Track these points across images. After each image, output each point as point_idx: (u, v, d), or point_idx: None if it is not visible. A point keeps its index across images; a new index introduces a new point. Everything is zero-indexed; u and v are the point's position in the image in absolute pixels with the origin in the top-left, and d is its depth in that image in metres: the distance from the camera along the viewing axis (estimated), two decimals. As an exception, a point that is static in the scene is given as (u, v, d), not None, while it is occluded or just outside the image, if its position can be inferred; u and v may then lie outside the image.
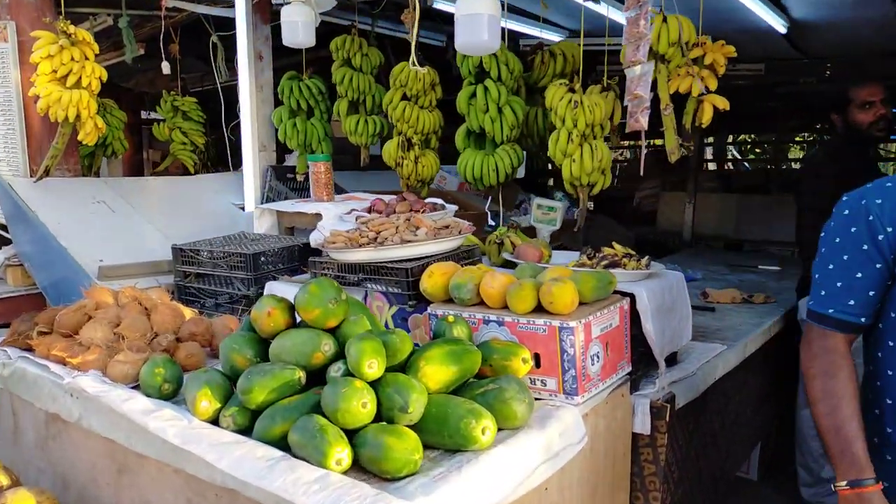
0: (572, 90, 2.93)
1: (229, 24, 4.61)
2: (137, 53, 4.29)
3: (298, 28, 3.02)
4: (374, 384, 1.56)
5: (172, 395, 1.93)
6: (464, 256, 2.36)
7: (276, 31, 4.25)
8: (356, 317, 1.77)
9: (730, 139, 11.56)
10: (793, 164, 10.86)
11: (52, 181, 3.65)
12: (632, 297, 2.09)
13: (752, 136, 10.82)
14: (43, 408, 2.18)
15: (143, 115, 7.39)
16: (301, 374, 1.65)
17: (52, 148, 3.56)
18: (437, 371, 1.64)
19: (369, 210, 2.93)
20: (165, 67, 4.22)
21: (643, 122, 1.87)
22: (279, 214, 3.25)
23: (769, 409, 3.48)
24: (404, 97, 3.47)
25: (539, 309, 1.87)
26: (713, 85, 2.74)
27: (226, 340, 1.85)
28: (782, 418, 3.66)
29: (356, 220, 2.60)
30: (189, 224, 3.80)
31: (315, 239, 2.78)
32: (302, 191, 4.19)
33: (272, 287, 2.63)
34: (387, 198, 3.24)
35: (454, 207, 3.06)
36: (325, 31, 4.21)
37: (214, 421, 1.70)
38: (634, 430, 2.11)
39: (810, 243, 3.21)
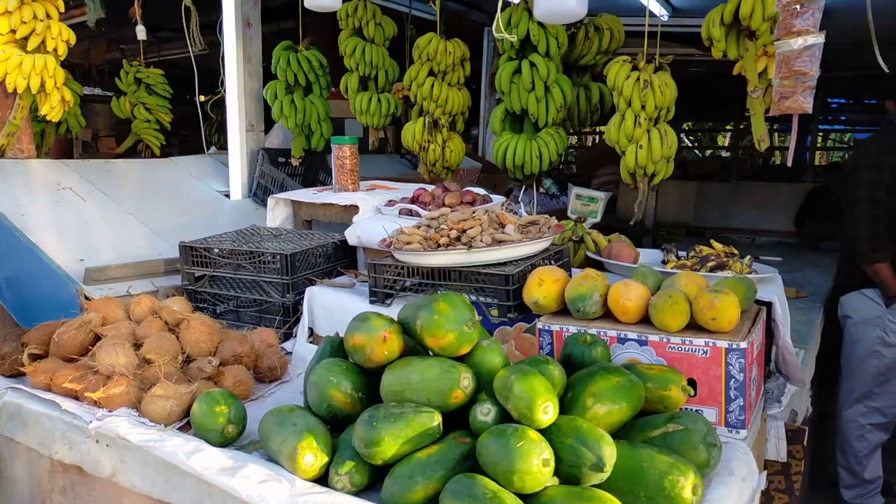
0: (636, 68, 2.64)
1: (203, -14, 4.08)
2: (101, 15, 3.69)
3: (324, -12, 2.58)
4: (545, 432, 1.22)
5: (236, 438, 1.54)
6: (555, 258, 2.03)
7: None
8: (488, 341, 1.42)
9: (685, 127, 11.69)
10: (753, 150, 11.09)
11: (8, 163, 3.06)
12: (767, 305, 1.82)
13: (710, 123, 10.94)
14: (47, 454, 1.73)
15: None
16: (439, 419, 1.29)
17: (7, 124, 2.99)
18: (609, 412, 1.32)
19: (413, 201, 2.55)
20: (141, 32, 3.65)
21: (807, 103, 1.60)
22: (296, 206, 2.82)
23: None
24: (430, 73, 3.09)
25: (690, 326, 1.57)
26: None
27: (319, 371, 1.46)
28: (820, 419, 3.54)
29: (413, 215, 2.22)
30: (173, 215, 3.30)
31: (358, 235, 2.39)
32: (297, 177, 3.75)
33: (314, 294, 2.22)
34: (425, 187, 2.87)
35: (500, 198, 2.73)
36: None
37: (320, 479, 1.32)
38: (767, 457, 1.86)
39: (870, 237, 3.08)
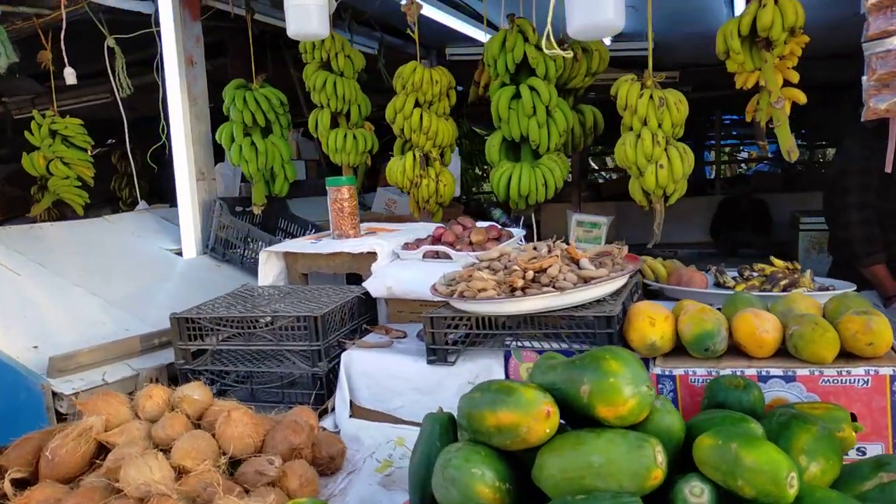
0: (644, 86, 2.54)
1: (126, 25, 3.65)
2: (14, 60, 3.18)
3: (311, 14, 2.29)
4: (782, 508, 1.00)
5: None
6: (634, 291, 1.83)
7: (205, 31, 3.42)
8: (660, 401, 1.18)
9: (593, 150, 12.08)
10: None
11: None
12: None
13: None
14: None
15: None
16: (644, 510, 1.04)
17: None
18: (824, 470, 1.13)
19: (436, 241, 2.29)
20: (70, 76, 3.16)
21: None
22: (289, 259, 2.47)
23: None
24: (416, 104, 2.86)
25: (840, 354, 1.42)
26: (795, 78, 2.52)
27: (455, 462, 1.15)
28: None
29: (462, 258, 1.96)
30: (127, 282, 2.85)
31: (388, 286, 2.09)
32: (256, 227, 3.36)
33: (352, 359, 1.90)
34: (429, 226, 2.62)
35: (521, 231, 2.52)
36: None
37: None
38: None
39: (865, 240, 3.13)
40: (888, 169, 1.71)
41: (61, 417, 1.99)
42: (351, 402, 1.90)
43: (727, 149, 12.76)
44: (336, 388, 1.92)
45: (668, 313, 1.56)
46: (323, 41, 3.00)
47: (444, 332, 1.76)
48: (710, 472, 1.05)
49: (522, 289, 1.65)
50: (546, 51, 1.87)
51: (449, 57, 5.43)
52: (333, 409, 1.91)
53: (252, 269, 3.19)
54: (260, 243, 3.17)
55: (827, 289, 1.96)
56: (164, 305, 2.75)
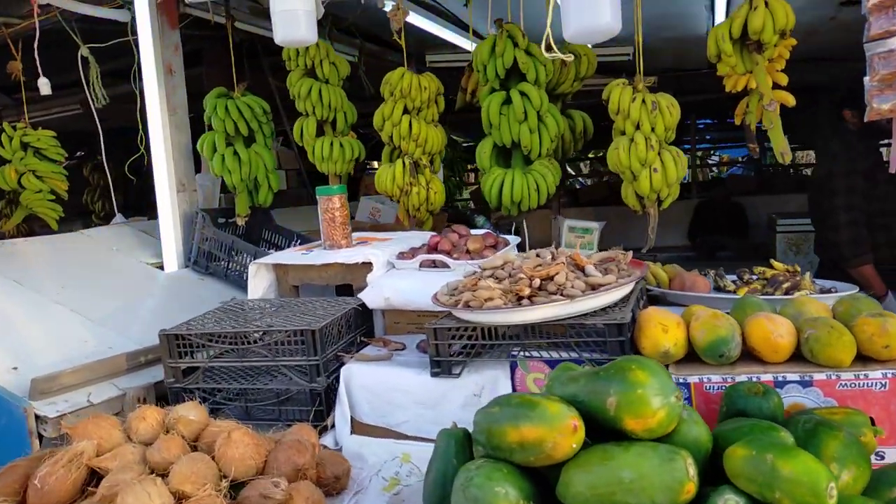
0: (635, 90, 2.52)
1: (100, 34, 3.55)
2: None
3: (299, 20, 2.23)
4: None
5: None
6: (640, 297, 1.80)
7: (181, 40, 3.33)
8: (687, 412, 1.15)
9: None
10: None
11: None
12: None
13: (601, 152, 11.50)
14: None
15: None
16: (679, 525, 1.00)
17: None
18: (856, 478, 1.10)
19: (432, 250, 2.24)
20: (44, 87, 3.05)
21: (918, 106, 1.52)
22: (279, 271, 2.40)
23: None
24: (405, 110, 2.81)
25: (856, 358, 1.40)
26: (783, 80, 2.53)
27: (477, 480, 1.11)
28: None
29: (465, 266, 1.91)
30: (108, 298, 2.75)
31: (386, 297, 2.04)
32: (245, 239, 3.28)
33: (352, 373, 1.84)
34: (423, 235, 2.57)
35: (516, 238, 2.48)
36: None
37: None
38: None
39: (853, 241, 3.16)
40: (892, 169, 1.70)
41: (45, 442, 1.89)
42: (351, 418, 1.84)
43: (699, 153, 12.93)
44: (335, 404, 1.86)
45: (679, 319, 1.53)
46: (307, 48, 2.94)
47: (449, 343, 1.71)
48: (745, 484, 1.02)
49: (529, 297, 1.61)
50: (546, 54, 1.84)
51: (429, 64, 5.39)
52: (333, 426, 1.85)
53: (237, 281, 3.11)
54: (245, 255, 3.09)
55: (829, 291, 1.96)
56: (148, 321, 2.66)
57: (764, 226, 7.46)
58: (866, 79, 1.61)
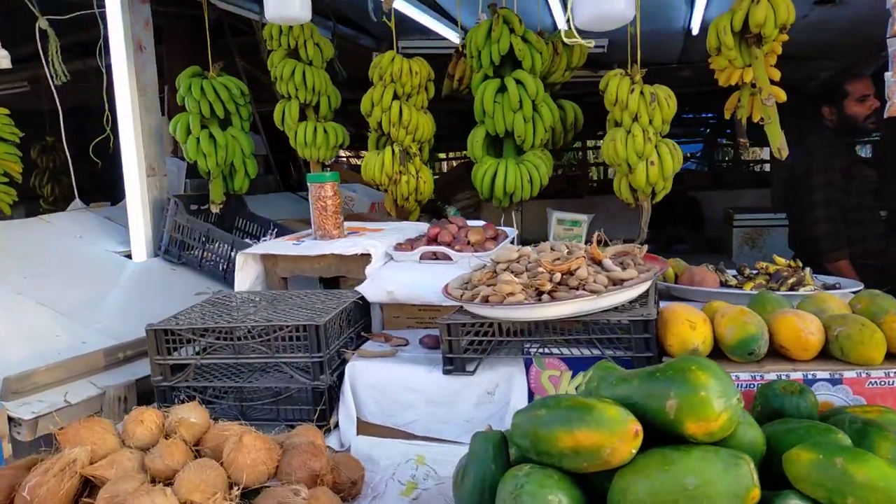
0: (633, 81, 2.50)
1: (60, 5, 3.31)
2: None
3: (294, -5, 2.11)
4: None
5: None
6: (655, 293, 1.77)
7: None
8: (743, 413, 1.11)
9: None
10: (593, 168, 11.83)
11: None
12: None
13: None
14: None
15: None
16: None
17: None
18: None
19: (431, 241, 2.16)
20: (4, 60, 2.81)
21: (942, 102, 1.53)
22: (268, 262, 2.28)
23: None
24: (394, 96, 2.72)
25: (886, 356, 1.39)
26: (776, 76, 2.54)
27: (529, 488, 1.04)
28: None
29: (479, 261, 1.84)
30: (76, 288, 2.59)
31: (389, 290, 1.95)
32: (218, 226, 3.13)
33: (357, 371, 1.75)
34: (416, 225, 2.49)
35: (514, 231, 2.43)
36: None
37: None
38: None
39: (831, 236, 3.21)
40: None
41: (19, 446, 1.74)
42: (358, 418, 1.75)
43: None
44: (339, 403, 1.77)
45: (704, 316, 1.50)
46: (291, 27, 2.81)
47: (463, 339, 1.64)
48: (811, 489, 0.98)
49: (549, 292, 1.56)
50: (566, 39, 1.78)
51: (401, 50, 5.28)
52: (337, 426, 1.76)
53: (212, 272, 2.97)
54: (221, 244, 2.95)
55: (834, 287, 1.97)
56: (120, 314, 2.51)
57: (719, 220, 7.63)
58: (888, 74, 1.62)
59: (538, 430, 1.11)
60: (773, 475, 1.07)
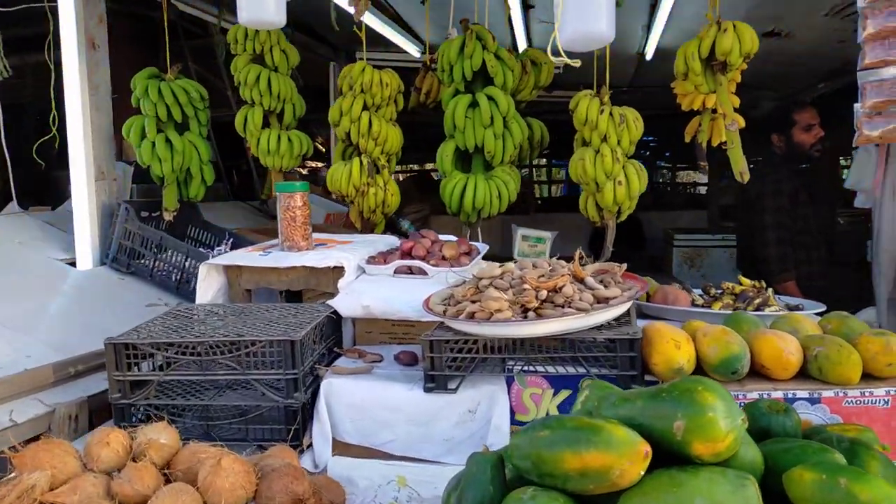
0: (602, 102, 2.54)
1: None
2: None
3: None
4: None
5: None
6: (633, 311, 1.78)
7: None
8: (745, 435, 1.12)
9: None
10: (537, 186, 12.06)
11: None
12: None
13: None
14: None
15: None
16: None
17: None
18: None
19: (405, 255, 2.13)
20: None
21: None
22: (233, 272, 2.18)
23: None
24: (364, 107, 2.67)
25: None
26: (736, 102, 2.63)
27: (536, 516, 1.02)
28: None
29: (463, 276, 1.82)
30: (17, 298, 2.43)
31: (364, 304, 1.90)
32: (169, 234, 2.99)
33: (333, 388, 1.69)
34: (386, 238, 2.45)
35: (485, 246, 2.42)
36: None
37: None
38: None
39: (780, 258, 3.34)
40: (875, 193, 1.79)
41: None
42: (334, 438, 1.68)
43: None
44: (312, 422, 1.70)
45: (687, 335, 1.52)
46: (257, 32, 2.73)
47: (447, 356, 1.61)
48: (815, 509, 0.99)
49: (535, 310, 1.55)
50: (552, 59, 1.79)
51: (358, 61, 5.24)
52: (310, 446, 1.69)
53: (164, 282, 2.84)
54: (175, 254, 2.82)
55: (797, 307, 2.04)
56: (67, 326, 2.36)
57: (660, 240, 7.88)
58: (857, 105, 1.68)
59: (541, 452, 1.08)
60: (772, 495, 1.08)
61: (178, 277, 2.79)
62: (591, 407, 1.19)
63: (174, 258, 2.81)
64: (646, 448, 1.01)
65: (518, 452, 1.13)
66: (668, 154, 11.73)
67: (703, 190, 11.61)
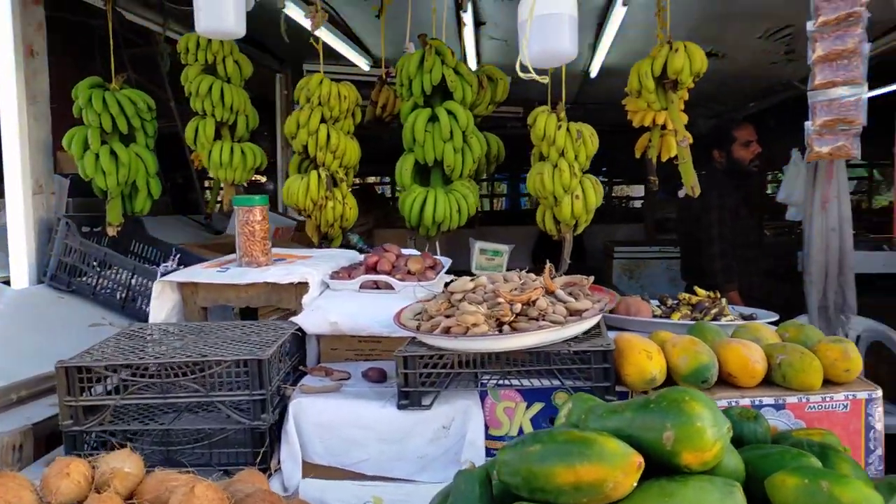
0: (559, 118, 2.59)
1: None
2: None
3: (228, 8, 1.99)
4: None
5: None
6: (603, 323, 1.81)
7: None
8: (729, 445, 1.15)
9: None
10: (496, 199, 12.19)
11: None
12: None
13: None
14: None
15: None
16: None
17: None
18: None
19: (370, 270, 2.10)
20: None
21: (855, 150, 1.66)
22: (186, 290, 2.10)
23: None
24: (322, 119, 2.64)
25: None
26: (685, 119, 2.74)
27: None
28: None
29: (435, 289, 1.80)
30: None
31: (332, 321, 1.86)
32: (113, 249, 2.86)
33: (303, 408, 1.64)
34: (346, 253, 2.42)
35: (448, 260, 2.41)
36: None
37: None
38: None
39: (724, 269, 3.47)
40: (824, 207, 1.88)
41: None
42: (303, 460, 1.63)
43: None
44: (280, 444, 1.64)
45: (657, 346, 1.56)
46: (210, 42, 2.65)
47: (420, 371, 1.59)
48: (798, 513, 1.03)
49: (510, 323, 1.55)
50: (521, 74, 1.81)
51: (306, 73, 5.19)
52: (279, 469, 1.63)
53: (107, 301, 2.70)
54: (120, 271, 2.69)
55: (751, 317, 2.11)
56: (5, 349, 2.22)
57: (599, 252, 8.09)
58: (808, 123, 1.77)
59: (532, 467, 1.08)
60: (755, 500, 1.11)
61: (124, 296, 2.66)
62: (577, 419, 1.20)
63: (119, 275, 2.69)
64: (638, 459, 1.02)
65: (507, 468, 1.13)
66: (604, 169, 12.08)
67: (637, 204, 11.99)
